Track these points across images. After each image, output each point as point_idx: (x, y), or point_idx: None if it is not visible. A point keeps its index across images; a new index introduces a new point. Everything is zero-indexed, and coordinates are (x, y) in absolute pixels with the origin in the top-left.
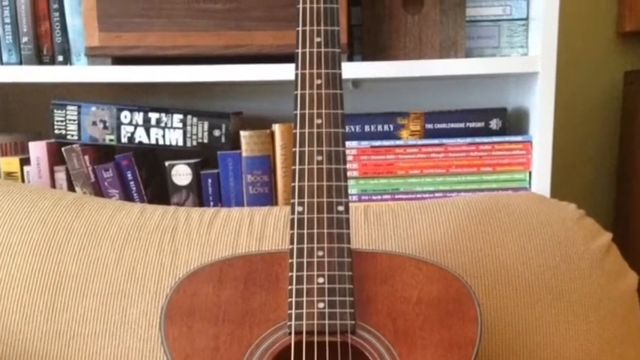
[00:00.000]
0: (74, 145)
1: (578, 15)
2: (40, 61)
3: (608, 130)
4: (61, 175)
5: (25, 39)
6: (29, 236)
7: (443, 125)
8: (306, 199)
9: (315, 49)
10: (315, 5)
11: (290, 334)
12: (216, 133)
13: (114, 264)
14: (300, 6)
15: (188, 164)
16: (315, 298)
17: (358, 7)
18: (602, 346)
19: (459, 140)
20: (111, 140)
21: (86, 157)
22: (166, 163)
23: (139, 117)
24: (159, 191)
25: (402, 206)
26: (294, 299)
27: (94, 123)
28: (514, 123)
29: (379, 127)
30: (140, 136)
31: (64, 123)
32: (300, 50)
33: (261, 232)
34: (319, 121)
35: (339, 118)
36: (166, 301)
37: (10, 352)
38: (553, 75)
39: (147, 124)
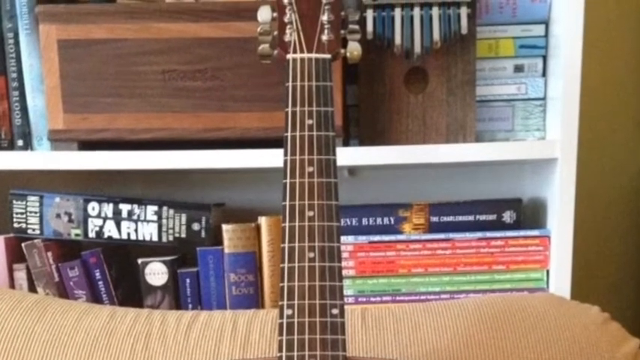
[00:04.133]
0: (36, 241)
1: (601, 95)
2: None
3: (635, 224)
4: (20, 274)
5: None
6: None
7: (450, 218)
8: (296, 301)
9: (306, 133)
10: (306, 83)
11: None
12: (196, 227)
13: None
14: (290, 84)
15: (164, 262)
16: None
17: (355, 86)
18: None
19: (468, 235)
20: (77, 235)
21: (49, 254)
22: (139, 261)
23: (108, 209)
24: (131, 292)
25: (404, 309)
26: None
27: (58, 215)
28: (530, 215)
29: (378, 220)
30: (110, 230)
31: (24, 215)
32: (289, 134)
33: (246, 338)
34: (311, 214)
35: (333, 210)
36: None
37: None
38: (574, 162)
39: (117, 217)
